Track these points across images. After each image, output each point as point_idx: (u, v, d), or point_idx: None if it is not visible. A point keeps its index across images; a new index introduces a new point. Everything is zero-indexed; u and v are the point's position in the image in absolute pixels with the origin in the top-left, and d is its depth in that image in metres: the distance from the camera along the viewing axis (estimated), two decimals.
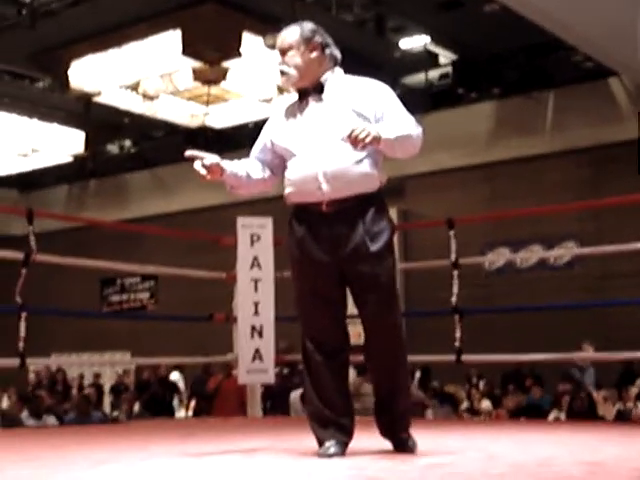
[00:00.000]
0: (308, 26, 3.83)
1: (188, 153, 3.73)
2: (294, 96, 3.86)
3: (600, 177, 14.80)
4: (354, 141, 3.42)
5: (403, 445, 3.66)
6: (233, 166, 3.79)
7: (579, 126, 15.37)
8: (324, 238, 3.66)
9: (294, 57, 3.72)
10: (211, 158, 3.67)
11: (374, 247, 3.61)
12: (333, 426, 3.70)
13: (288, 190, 3.75)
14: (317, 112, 3.72)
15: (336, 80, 3.77)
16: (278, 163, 3.85)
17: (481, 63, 15.13)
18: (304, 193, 3.68)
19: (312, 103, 3.75)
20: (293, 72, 3.71)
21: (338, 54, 3.85)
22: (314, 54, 3.73)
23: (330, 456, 3.54)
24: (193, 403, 12.16)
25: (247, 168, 3.86)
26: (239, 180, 3.83)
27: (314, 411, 3.79)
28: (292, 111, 3.83)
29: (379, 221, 3.66)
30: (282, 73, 3.77)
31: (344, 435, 3.68)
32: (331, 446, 3.60)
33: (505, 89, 15.76)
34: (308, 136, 3.70)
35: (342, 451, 3.61)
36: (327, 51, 3.78)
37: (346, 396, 3.82)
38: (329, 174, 3.59)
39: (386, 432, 3.76)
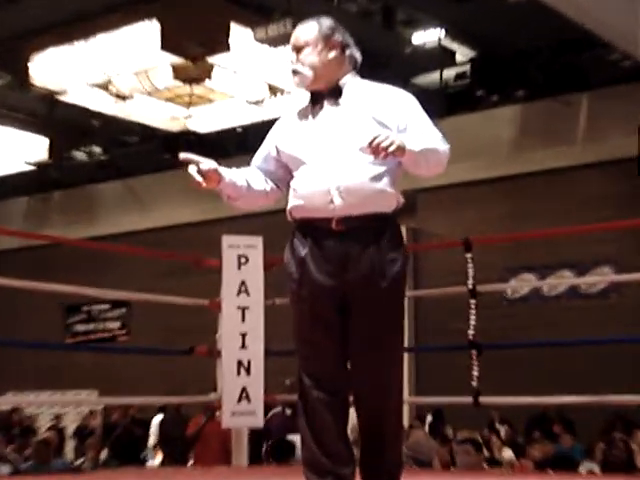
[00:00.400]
0: (327, 22, 3.82)
1: (183, 156, 3.69)
2: (304, 99, 3.86)
3: (638, 193, 14.81)
4: (375, 150, 3.37)
5: None
6: (232, 174, 3.75)
7: (616, 134, 15.42)
8: (330, 259, 3.62)
9: (310, 55, 3.70)
10: (208, 163, 3.63)
11: (384, 280, 3.59)
12: (331, 476, 3.65)
13: (294, 203, 3.70)
14: (333, 118, 3.69)
15: (355, 84, 3.77)
16: (282, 175, 3.83)
17: (503, 61, 15.17)
18: (312, 208, 3.63)
19: (327, 107, 3.72)
20: (308, 72, 3.68)
21: (359, 56, 3.86)
22: (333, 53, 3.72)
23: None
24: (159, 450, 12.13)
25: (248, 178, 3.81)
26: (238, 191, 3.79)
27: (310, 457, 3.73)
28: (303, 115, 3.81)
29: (393, 249, 3.65)
30: (295, 73, 3.73)
31: None
32: None
33: (531, 91, 15.81)
34: (321, 144, 3.65)
35: None
36: (347, 51, 3.79)
37: (347, 441, 3.75)
38: (343, 188, 3.55)
39: None
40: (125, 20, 13.28)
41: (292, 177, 3.75)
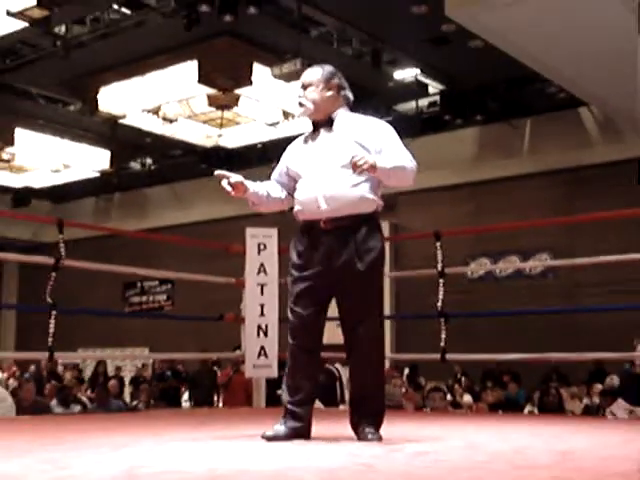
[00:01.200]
0: (329, 69, 3.95)
1: (217, 172, 3.88)
2: (306, 124, 4.01)
3: (572, 196, 14.82)
4: (354, 166, 3.56)
5: (365, 437, 3.67)
6: (255, 186, 3.93)
7: (553, 150, 15.42)
8: (320, 251, 3.76)
9: (312, 93, 3.86)
10: (236, 177, 3.83)
11: (362, 264, 3.70)
12: (290, 414, 3.78)
13: (296, 208, 3.87)
14: (325, 142, 3.83)
15: (345, 116, 3.88)
16: (293, 186, 3.94)
17: (466, 93, 15.13)
18: (307, 212, 3.80)
19: (323, 134, 3.87)
20: (310, 105, 3.85)
21: (351, 96, 3.98)
22: (330, 93, 3.86)
23: (271, 436, 3.64)
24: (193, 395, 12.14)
25: (268, 188, 3.98)
26: (260, 198, 3.95)
27: (284, 399, 3.88)
28: (306, 140, 3.96)
29: (370, 240, 3.74)
30: (301, 105, 3.90)
31: (298, 422, 3.74)
32: (279, 429, 3.71)
33: (487, 117, 15.78)
34: (314, 162, 3.82)
35: (288, 434, 3.68)
36: (342, 92, 3.92)
37: (310, 387, 3.84)
38: (328, 196, 3.70)
39: (354, 425, 3.78)
40: (171, 61, 13.28)
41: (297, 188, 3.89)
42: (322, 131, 3.86)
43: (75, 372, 15.34)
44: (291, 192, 3.96)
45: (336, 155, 3.71)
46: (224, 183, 3.83)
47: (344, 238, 3.70)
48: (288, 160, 3.98)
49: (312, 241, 3.80)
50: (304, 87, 3.89)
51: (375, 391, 3.83)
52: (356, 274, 3.69)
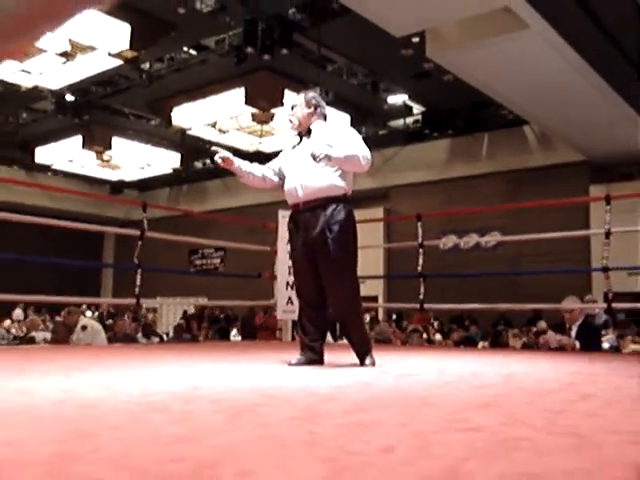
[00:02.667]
0: (310, 94, 3.96)
1: (214, 148, 3.95)
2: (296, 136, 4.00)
3: (516, 190, 14.76)
4: (313, 157, 3.56)
5: (362, 363, 3.70)
6: (242, 164, 3.97)
7: (504, 156, 15.39)
8: (300, 227, 3.76)
9: (297, 112, 3.88)
10: (225, 153, 3.88)
11: (331, 234, 3.65)
12: (306, 347, 3.79)
13: (285, 197, 3.88)
14: (304, 146, 3.80)
15: (320, 126, 3.85)
16: (281, 174, 3.97)
17: (441, 114, 15.09)
18: (290, 198, 3.82)
19: (304, 140, 3.86)
20: (295, 122, 3.89)
21: (326, 112, 3.95)
22: (308, 111, 3.85)
23: (294, 364, 3.67)
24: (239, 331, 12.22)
25: (252, 169, 4.01)
26: (242, 173, 3.98)
27: (299, 339, 3.94)
28: (293, 145, 3.96)
29: (337, 215, 3.67)
30: (290, 121, 3.95)
31: (313, 354, 3.76)
32: (299, 358, 3.73)
33: (456, 131, 15.74)
34: (296, 162, 3.82)
35: (306, 361, 3.72)
36: (318, 110, 3.88)
37: (318, 328, 3.83)
38: (303, 185, 3.71)
39: (356, 355, 3.78)
40: (225, 88, 13.28)
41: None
42: (304, 139, 3.85)
43: (154, 313, 15.46)
44: (278, 177, 3.98)
45: (309, 155, 3.64)
46: (216, 157, 3.86)
47: (316, 215, 3.66)
48: (281, 159, 3.99)
49: (295, 219, 3.81)
50: (292, 107, 3.91)
51: (356, 333, 3.79)
52: (327, 243, 3.63)
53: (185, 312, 15.74)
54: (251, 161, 4.09)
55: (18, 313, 14.72)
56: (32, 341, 7.80)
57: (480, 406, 2.06)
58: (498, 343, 8.11)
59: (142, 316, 12.41)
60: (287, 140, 4.24)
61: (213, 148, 3.94)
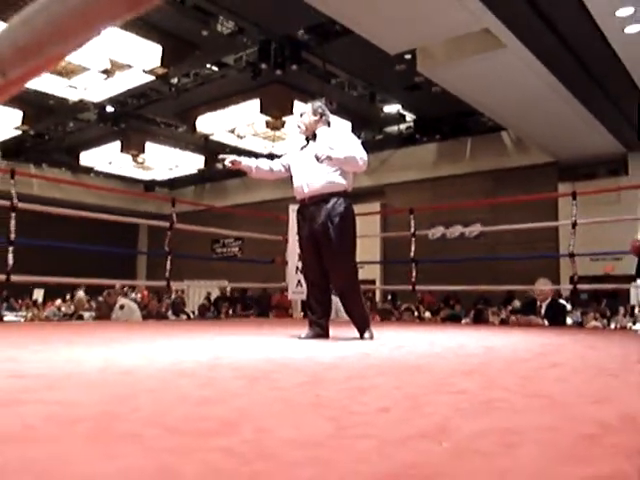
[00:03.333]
0: (317, 103, 3.93)
1: (221, 156, 4.01)
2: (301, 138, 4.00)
3: (495, 187, 14.71)
4: (316, 158, 3.58)
5: (362, 337, 3.71)
6: (248, 161, 3.98)
7: (484, 158, 15.32)
8: (306, 218, 3.76)
9: (305, 118, 3.87)
10: (232, 157, 3.92)
11: (332, 225, 3.65)
12: (314, 323, 3.80)
13: (294, 192, 3.86)
14: (310, 149, 3.79)
15: (324, 131, 3.84)
16: (288, 167, 3.96)
17: (429, 121, 15.03)
18: (298, 194, 3.81)
19: (310, 143, 3.85)
20: (303, 127, 3.88)
21: (330, 119, 3.92)
22: (315, 118, 3.83)
23: (303, 337, 3.69)
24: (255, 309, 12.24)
25: (259, 164, 4.01)
26: (250, 169, 3.98)
27: (308, 317, 3.93)
28: (301, 147, 3.92)
29: (338, 208, 3.67)
30: (298, 126, 3.93)
31: (320, 329, 3.77)
32: (307, 332, 3.76)
33: (443, 136, 15.67)
34: (302, 162, 3.81)
35: (313, 335, 3.73)
36: (323, 117, 3.86)
37: (323, 306, 3.83)
38: (309, 183, 3.72)
39: (357, 330, 3.79)
40: (243, 99, 13.25)
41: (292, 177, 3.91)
42: (310, 142, 3.84)
43: (182, 294, 15.48)
44: (285, 169, 3.97)
45: (313, 157, 3.66)
46: (227, 162, 3.89)
47: (319, 208, 3.67)
48: (289, 157, 3.98)
49: (302, 212, 3.81)
50: (301, 115, 3.89)
51: (356, 310, 3.78)
52: (329, 232, 3.64)
53: (209, 294, 15.75)
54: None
55: (81, 295, 14.68)
56: (80, 318, 7.84)
57: (464, 372, 2.06)
58: (479, 320, 8.12)
59: (178, 297, 12.36)
60: (295, 141, 4.24)
61: (220, 156, 4.00)
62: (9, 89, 0.76)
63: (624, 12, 7.99)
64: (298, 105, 12.55)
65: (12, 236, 5.21)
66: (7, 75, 0.72)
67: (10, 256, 5.19)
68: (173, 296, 11.31)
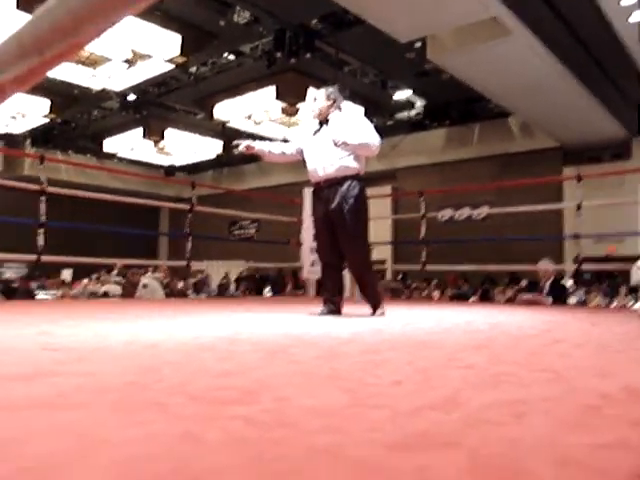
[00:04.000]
0: (330, 89, 3.89)
1: (235, 142, 4.01)
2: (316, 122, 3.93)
3: (502, 171, 14.59)
4: (335, 143, 3.58)
5: (374, 313, 3.72)
6: (261, 145, 3.94)
7: (491, 143, 15.18)
8: (321, 200, 3.75)
9: (318, 103, 3.83)
10: (246, 142, 3.91)
11: (347, 206, 3.64)
12: (328, 300, 3.81)
13: (309, 176, 3.83)
14: (323, 132, 3.78)
15: (337, 116, 3.80)
16: (301, 151, 3.91)
17: (439, 107, 14.89)
18: (313, 177, 3.79)
19: (323, 128, 3.81)
20: (317, 111, 3.83)
21: (342, 103, 3.88)
22: (328, 102, 3.80)
23: (318, 314, 3.70)
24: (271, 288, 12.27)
25: (271, 147, 3.97)
26: (263, 153, 3.95)
27: (323, 294, 3.94)
28: (314, 132, 3.87)
29: (352, 190, 3.66)
30: (313, 110, 3.89)
31: (333, 306, 3.78)
32: (322, 310, 3.77)
33: (452, 122, 15.52)
34: (317, 146, 3.78)
35: (327, 312, 3.74)
36: (336, 102, 3.83)
37: (337, 285, 3.84)
38: (324, 166, 3.69)
39: (369, 306, 3.79)
40: (259, 86, 13.19)
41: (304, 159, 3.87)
42: (323, 126, 3.80)
43: (202, 274, 15.55)
44: (297, 151, 3.92)
45: (329, 141, 3.65)
46: (240, 147, 3.88)
47: (334, 190, 3.66)
48: (301, 140, 3.94)
49: (318, 195, 3.79)
50: (315, 99, 3.85)
51: (369, 289, 3.79)
52: (344, 213, 3.63)
53: (226, 273, 15.80)
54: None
55: (114, 274, 14.77)
56: (106, 295, 7.91)
57: (472, 348, 2.06)
58: (486, 298, 8.09)
59: (205, 276, 12.25)
60: (307, 125, 4.19)
61: (234, 142, 4.00)
62: (45, 68, 0.76)
63: (629, 1, 7.84)
64: (312, 91, 12.49)
65: (43, 218, 5.25)
66: (44, 54, 0.72)
67: (41, 237, 5.23)
68: (199, 276, 11.33)
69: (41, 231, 5.24)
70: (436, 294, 10.58)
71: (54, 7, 0.70)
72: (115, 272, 9.03)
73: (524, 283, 9.53)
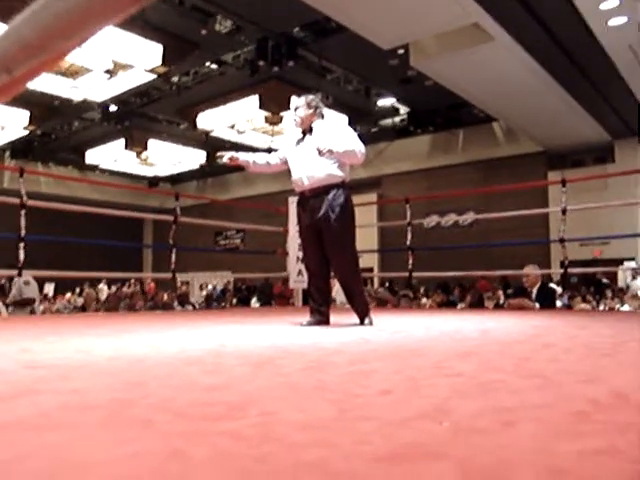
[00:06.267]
0: (310, 97, 3.86)
1: (219, 153, 3.97)
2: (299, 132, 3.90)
3: (487, 176, 14.73)
4: (319, 152, 3.53)
5: (362, 323, 3.70)
6: (246, 156, 3.92)
7: (476, 149, 15.32)
8: (307, 210, 3.72)
9: (300, 112, 3.79)
10: (230, 154, 3.87)
11: (333, 215, 3.62)
12: (315, 310, 3.79)
13: (293, 185, 3.80)
14: (307, 141, 3.75)
15: (320, 124, 3.79)
16: (286, 161, 3.88)
17: (423, 113, 14.98)
18: (298, 186, 3.76)
19: (307, 137, 3.79)
20: (298, 120, 3.79)
21: (324, 111, 3.86)
22: (310, 111, 3.77)
23: (305, 324, 3.68)
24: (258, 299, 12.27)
25: (255, 158, 3.95)
26: (248, 164, 3.93)
27: (310, 304, 3.88)
28: (297, 141, 3.85)
29: (338, 199, 3.64)
30: (294, 120, 3.85)
31: (321, 316, 3.76)
32: (308, 320, 3.74)
33: (436, 128, 15.64)
34: (300, 155, 3.75)
35: (314, 322, 3.71)
36: (317, 110, 3.80)
37: (324, 295, 3.83)
38: (308, 175, 3.67)
39: (357, 315, 3.78)
40: (242, 95, 13.22)
41: (289, 169, 3.84)
42: (307, 135, 3.78)
43: (187, 285, 15.51)
44: (282, 162, 3.89)
45: (313, 150, 3.61)
46: (224, 159, 3.85)
47: (320, 200, 3.63)
48: (286, 149, 3.91)
49: (303, 204, 3.76)
50: (296, 109, 3.81)
51: (357, 297, 3.75)
52: (330, 221, 3.60)
53: (212, 285, 15.74)
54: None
55: (102, 287, 14.76)
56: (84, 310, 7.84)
57: (461, 355, 2.06)
58: (474, 304, 8.11)
59: (182, 292, 12.27)
60: (291, 134, 4.14)
61: (218, 154, 3.96)
62: (15, 87, 0.76)
63: (608, 5, 7.96)
64: (294, 100, 12.55)
65: (22, 232, 5.20)
66: (13, 72, 0.72)
67: (21, 252, 5.18)
68: (184, 288, 11.30)
69: (21, 245, 5.18)
70: (424, 301, 10.61)
71: (22, 25, 0.70)
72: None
73: (511, 289, 9.59)
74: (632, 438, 0.93)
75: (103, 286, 14.86)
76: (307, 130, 3.81)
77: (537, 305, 6.09)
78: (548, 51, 9.22)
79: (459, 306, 9.10)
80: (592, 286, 11.05)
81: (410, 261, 6.93)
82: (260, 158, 3.98)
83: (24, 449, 0.88)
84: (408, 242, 6.98)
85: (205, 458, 0.83)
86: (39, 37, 0.67)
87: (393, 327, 3.54)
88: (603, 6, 7.95)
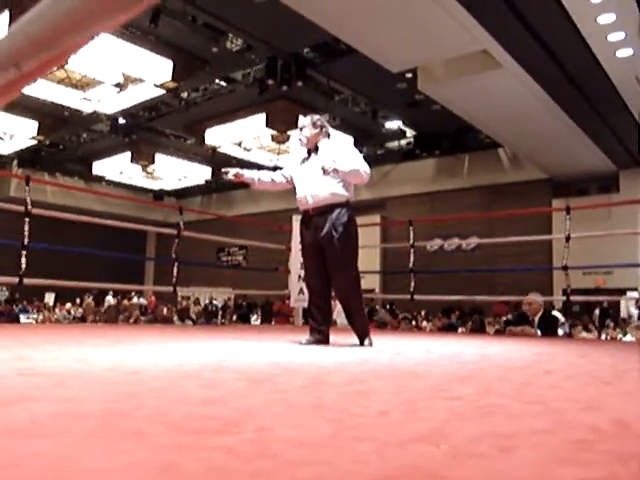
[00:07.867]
0: (316, 116, 3.88)
1: (224, 170, 3.96)
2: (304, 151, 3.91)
3: (491, 201, 14.74)
4: (324, 171, 3.51)
5: (362, 343, 3.68)
6: (250, 173, 3.91)
7: (481, 174, 15.36)
8: (310, 228, 3.72)
9: (306, 131, 3.80)
10: (235, 170, 3.86)
11: (337, 234, 3.62)
12: (315, 329, 3.77)
13: (297, 204, 3.80)
14: (312, 161, 3.76)
15: (326, 144, 3.80)
16: (290, 178, 3.90)
17: (429, 137, 15.07)
18: (302, 205, 3.76)
19: (312, 156, 3.80)
20: (304, 140, 3.81)
21: (330, 131, 3.89)
22: (315, 131, 3.78)
23: (304, 343, 3.66)
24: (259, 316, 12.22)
25: (260, 175, 3.95)
26: (253, 181, 3.92)
27: (309, 323, 3.87)
28: (303, 160, 3.86)
29: (341, 218, 3.64)
30: (299, 140, 3.87)
31: (320, 335, 3.74)
32: (308, 339, 3.73)
33: (442, 152, 15.71)
34: (306, 174, 3.76)
35: (314, 341, 3.70)
36: (323, 130, 3.82)
37: (324, 314, 3.81)
38: (312, 194, 3.68)
39: (357, 336, 3.75)
40: (249, 113, 13.32)
41: (294, 187, 3.86)
42: (312, 154, 3.79)
43: (188, 300, 15.47)
44: (287, 181, 3.90)
45: (318, 169, 3.61)
46: (229, 175, 3.84)
47: (324, 218, 3.63)
48: (291, 169, 3.91)
49: (306, 222, 3.76)
50: (301, 129, 3.82)
51: (357, 317, 3.73)
52: (333, 241, 3.60)
53: (212, 299, 15.67)
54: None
55: (109, 299, 14.81)
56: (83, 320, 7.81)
57: (460, 379, 2.04)
58: (474, 330, 8.07)
59: (183, 307, 12.22)
60: (296, 153, 4.13)
61: (223, 170, 3.96)
62: (23, 82, 0.76)
63: (615, 37, 8.04)
64: (300, 120, 12.64)
65: (26, 241, 5.20)
66: (22, 68, 0.72)
67: (23, 260, 5.18)
68: (184, 303, 11.28)
69: (24, 253, 5.18)
70: (425, 325, 10.56)
71: (31, 20, 0.70)
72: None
73: (512, 315, 9.55)
74: (633, 467, 0.91)
75: (110, 298, 14.87)
76: (313, 149, 3.82)
77: (539, 332, 6.05)
78: (555, 80, 9.29)
79: (460, 330, 9.05)
80: (597, 310, 11.00)
81: (412, 284, 6.91)
82: (265, 175, 3.98)
83: (14, 457, 0.86)
84: (411, 265, 6.96)
85: (198, 472, 0.81)
86: (48, 33, 0.67)
87: (393, 349, 3.52)
88: (611, 37, 8.02)
